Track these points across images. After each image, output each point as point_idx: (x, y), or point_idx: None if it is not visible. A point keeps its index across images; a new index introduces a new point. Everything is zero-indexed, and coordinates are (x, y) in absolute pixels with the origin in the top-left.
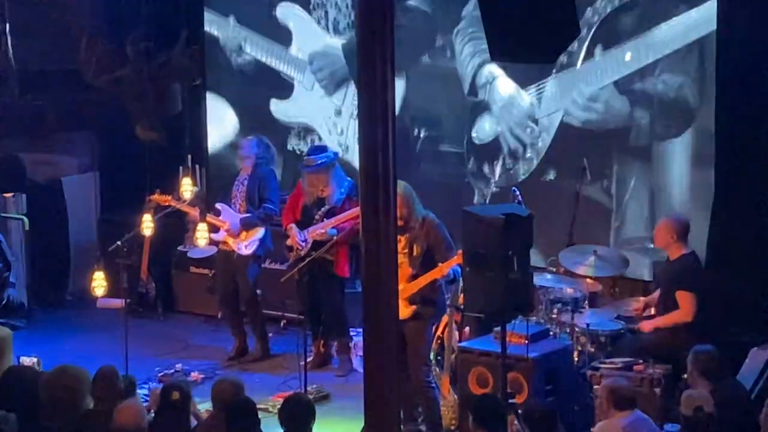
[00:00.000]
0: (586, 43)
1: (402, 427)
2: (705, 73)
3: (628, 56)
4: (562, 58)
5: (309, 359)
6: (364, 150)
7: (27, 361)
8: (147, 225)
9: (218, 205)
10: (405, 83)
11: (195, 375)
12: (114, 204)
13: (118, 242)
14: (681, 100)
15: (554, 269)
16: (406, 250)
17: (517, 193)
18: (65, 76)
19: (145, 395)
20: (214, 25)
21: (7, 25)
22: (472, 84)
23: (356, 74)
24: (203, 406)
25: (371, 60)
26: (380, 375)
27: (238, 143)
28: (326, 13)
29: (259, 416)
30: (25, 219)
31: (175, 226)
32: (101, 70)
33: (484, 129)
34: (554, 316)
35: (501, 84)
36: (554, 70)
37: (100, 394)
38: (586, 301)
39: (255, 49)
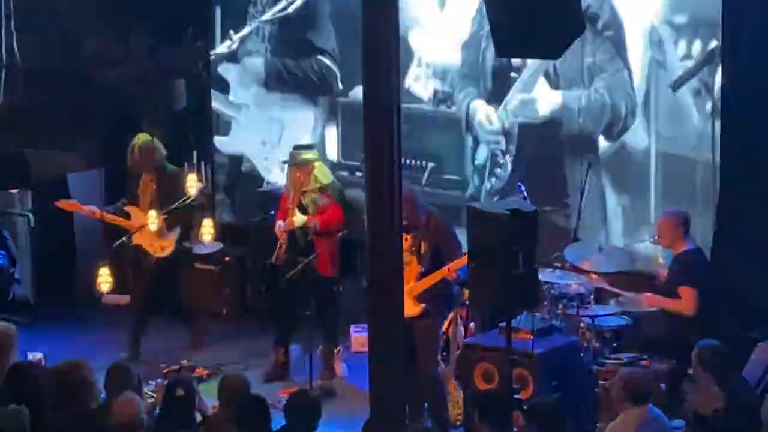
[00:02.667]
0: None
1: (408, 423)
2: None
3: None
4: (513, 73)
5: (268, 370)
6: (369, 151)
7: (33, 356)
8: (152, 221)
9: (128, 209)
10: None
11: (200, 370)
12: (119, 200)
13: (123, 238)
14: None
15: (559, 265)
16: (414, 249)
17: (522, 188)
18: (70, 72)
19: (152, 391)
20: None
21: (13, 21)
22: (467, 122)
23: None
24: (209, 402)
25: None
26: (386, 372)
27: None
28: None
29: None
30: (31, 215)
31: (181, 222)
32: (106, 67)
33: (482, 155)
34: (559, 311)
35: (479, 112)
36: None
37: (113, 388)
38: (592, 297)
39: None
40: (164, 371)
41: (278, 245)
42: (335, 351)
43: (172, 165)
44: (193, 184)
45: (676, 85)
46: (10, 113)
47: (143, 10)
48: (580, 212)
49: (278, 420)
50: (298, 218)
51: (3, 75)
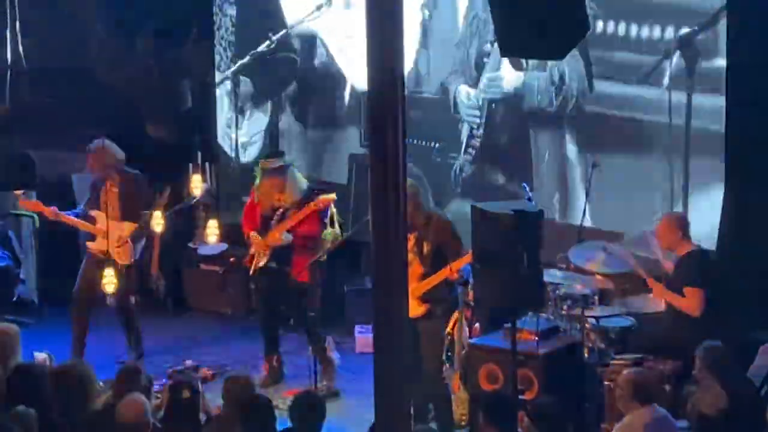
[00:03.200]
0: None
1: (412, 425)
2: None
3: None
4: (486, 59)
5: (261, 379)
6: (373, 150)
7: (38, 357)
8: (157, 222)
9: (93, 213)
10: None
11: (205, 371)
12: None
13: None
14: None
15: (564, 265)
16: (416, 249)
17: (527, 189)
18: (75, 73)
19: (157, 392)
20: None
21: (18, 22)
22: (454, 103)
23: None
24: (213, 403)
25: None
26: (391, 372)
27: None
28: None
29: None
30: (36, 216)
31: (185, 222)
32: (111, 67)
33: (465, 131)
34: (564, 312)
35: (462, 93)
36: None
37: (122, 390)
38: (596, 297)
39: None
40: (169, 372)
41: (255, 256)
42: (326, 346)
43: (130, 169)
44: (197, 185)
45: (647, 75)
46: (15, 114)
47: (148, 11)
48: (584, 212)
49: (282, 422)
50: (285, 237)
51: (8, 76)
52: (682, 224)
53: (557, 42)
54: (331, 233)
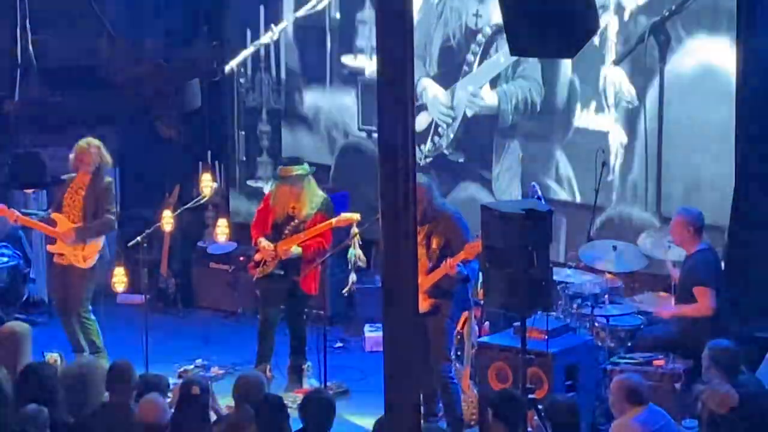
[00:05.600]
0: (478, 57)
1: (422, 422)
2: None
3: (501, 59)
4: (465, 68)
5: None
6: (382, 146)
7: (50, 356)
8: (167, 221)
9: (55, 215)
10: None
11: (215, 370)
12: (134, 200)
13: (138, 238)
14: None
15: (574, 264)
16: (425, 243)
17: (536, 188)
18: (86, 71)
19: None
20: None
21: (28, 20)
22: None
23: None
24: (223, 402)
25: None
26: (400, 370)
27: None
28: None
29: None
30: (45, 215)
31: (195, 221)
32: (121, 66)
33: (420, 121)
34: (574, 311)
35: (429, 89)
36: (461, 76)
37: (113, 388)
38: (606, 296)
39: None
40: (179, 371)
41: (259, 264)
42: (304, 368)
43: (108, 176)
44: (207, 184)
45: (617, 61)
46: (25, 112)
47: (158, 10)
48: (594, 210)
49: (294, 421)
50: (295, 249)
51: (18, 75)
52: (694, 222)
53: (567, 41)
54: (355, 254)
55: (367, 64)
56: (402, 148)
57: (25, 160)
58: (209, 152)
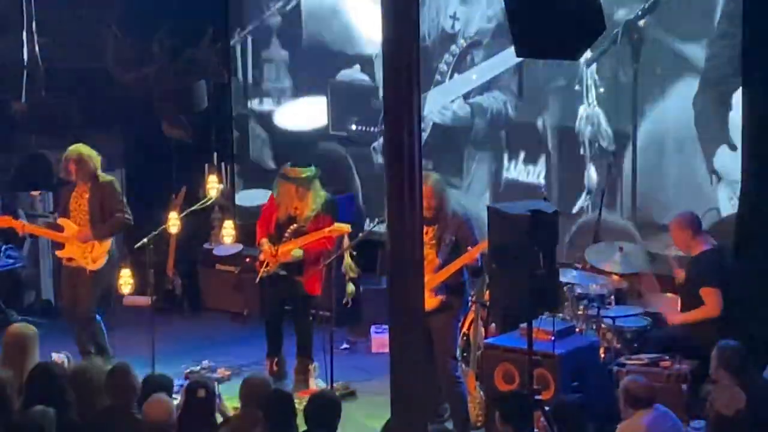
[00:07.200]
0: (451, 68)
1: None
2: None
3: (474, 76)
4: (438, 77)
5: None
6: (389, 144)
7: (57, 357)
8: (173, 222)
9: (61, 221)
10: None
11: (221, 371)
12: (140, 201)
13: (145, 240)
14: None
15: (580, 266)
16: (434, 241)
17: (543, 189)
18: (92, 73)
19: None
20: None
21: (34, 22)
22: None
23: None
24: (229, 403)
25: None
26: (407, 370)
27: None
28: None
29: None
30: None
31: (201, 223)
32: (127, 68)
33: None
34: (580, 312)
35: None
36: (432, 85)
37: (113, 390)
38: (612, 297)
39: None
40: (185, 372)
41: (263, 265)
42: (311, 368)
43: (105, 175)
44: (214, 186)
45: (589, 63)
46: (31, 114)
47: (163, 12)
48: (600, 212)
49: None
50: (296, 253)
51: (25, 76)
52: (691, 223)
53: (572, 42)
54: (348, 265)
55: None
56: (408, 148)
57: (32, 161)
58: (215, 154)
